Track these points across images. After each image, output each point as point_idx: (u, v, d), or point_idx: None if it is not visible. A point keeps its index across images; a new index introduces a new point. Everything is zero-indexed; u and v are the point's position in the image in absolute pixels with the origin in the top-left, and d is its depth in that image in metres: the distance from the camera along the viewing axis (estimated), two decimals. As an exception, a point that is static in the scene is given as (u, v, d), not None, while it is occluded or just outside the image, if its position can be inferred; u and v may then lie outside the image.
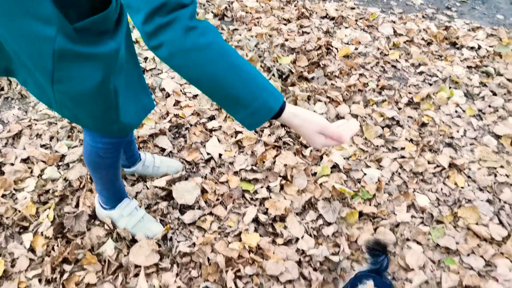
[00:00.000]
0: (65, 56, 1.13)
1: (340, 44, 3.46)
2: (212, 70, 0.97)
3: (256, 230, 2.02)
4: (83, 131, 1.58)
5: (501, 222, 2.15)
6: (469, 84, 3.07)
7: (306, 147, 2.45)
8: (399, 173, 2.38)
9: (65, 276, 1.77)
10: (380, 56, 3.37)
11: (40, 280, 1.77)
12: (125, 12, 1.28)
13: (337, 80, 3.01)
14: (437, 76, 3.16)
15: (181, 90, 2.81)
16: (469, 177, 2.38)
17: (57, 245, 1.87)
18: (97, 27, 1.15)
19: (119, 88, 1.31)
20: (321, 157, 2.39)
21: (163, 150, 2.37)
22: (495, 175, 2.39)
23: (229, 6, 3.83)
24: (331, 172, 2.33)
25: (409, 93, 2.97)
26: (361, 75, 3.12)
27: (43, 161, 2.23)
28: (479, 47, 3.53)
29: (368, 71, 3.17)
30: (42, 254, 1.84)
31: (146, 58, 3.09)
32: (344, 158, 2.41)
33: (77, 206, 2.03)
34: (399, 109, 2.83)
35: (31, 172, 2.18)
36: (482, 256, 2.00)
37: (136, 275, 1.81)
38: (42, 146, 2.33)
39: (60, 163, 2.25)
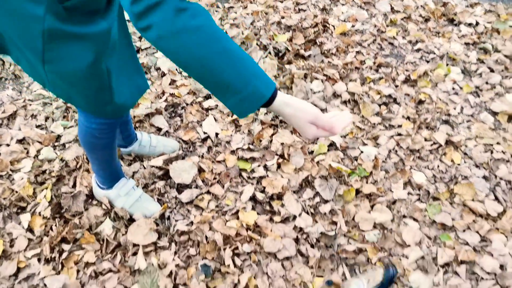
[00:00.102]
0: (55, 36, 1.11)
1: (337, 22, 3.43)
2: (202, 54, 0.94)
3: (253, 208, 2.03)
4: (78, 111, 1.57)
5: (496, 198, 2.16)
6: (466, 61, 3.05)
7: (303, 125, 2.44)
8: (396, 151, 2.38)
9: (64, 255, 1.78)
10: (377, 33, 3.34)
11: (39, 260, 1.79)
12: None
13: (334, 58, 2.99)
14: (435, 53, 3.14)
15: (176, 69, 2.79)
16: (465, 154, 2.39)
17: (55, 225, 1.87)
18: (87, 6, 1.12)
19: (112, 69, 1.29)
20: (318, 135, 2.39)
21: (159, 129, 2.36)
22: (492, 152, 2.40)
23: (224, -17, 3.77)
24: (328, 150, 2.33)
25: (406, 70, 2.95)
26: (358, 52, 3.09)
27: (39, 142, 2.22)
28: (477, 24, 3.50)
29: (365, 49, 3.15)
30: (40, 234, 1.85)
31: (141, 37, 3.05)
32: (341, 136, 2.40)
33: (74, 186, 2.03)
34: (396, 86, 2.82)
35: (27, 152, 2.18)
36: (477, 232, 2.02)
37: (135, 253, 1.82)
38: (37, 126, 2.32)
39: (56, 144, 2.24)
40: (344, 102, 2.65)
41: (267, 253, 1.86)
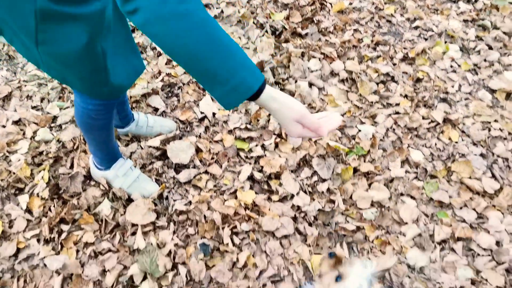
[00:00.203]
0: (47, 16, 1.08)
1: (334, -1, 3.39)
2: (189, 41, 0.90)
3: (251, 188, 2.04)
4: (74, 92, 1.55)
5: (493, 176, 2.17)
6: (465, 38, 3.03)
7: (300, 104, 2.43)
8: (394, 129, 2.38)
9: (63, 235, 1.79)
10: (375, 11, 3.30)
11: (38, 240, 1.79)
12: None
13: (331, 36, 2.96)
14: (433, 31, 3.11)
15: (172, 49, 2.75)
16: (463, 131, 2.39)
17: (54, 206, 1.88)
18: None
19: (107, 50, 1.27)
20: (316, 114, 2.38)
21: (156, 109, 2.35)
22: (489, 130, 2.40)
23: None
24: (326, 129, 2.32)
25: (404, 48, 2.93)
26: (355, 30, 3.06)
27: (35, 123, 2.21)
28: (476, 0, 3.46)
29: (363, 27, 3.12)
30: (39, 215, 1.86)
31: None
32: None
33: (71, 167, 2.03)
34: (394, 64, 2.80)
35: (24, 134, 2.16)
36: (474, 209, 2.03)
37: (134, 233, 1.83)
38: (33, 107, 2.30)
39: (52, 125, 2.22)
40: (342, 81, 2.63)
41: (265, 231, 1.87)
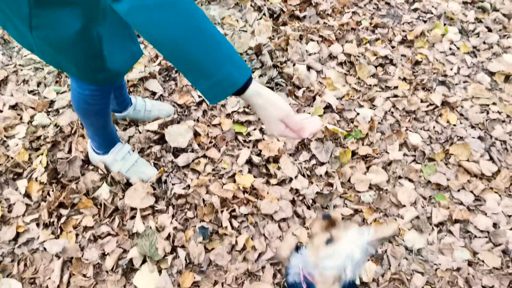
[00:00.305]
0: (41, 1, 1.07)
1: (333, -19, 3.35)
2: (174, 33, 0.88)
3: (250, 172, 2.04)
4: (70, 77, 1.54)
5: (491, 158, 2.18)
6: (464, 21, 3.01)
7: (298, 88, 2.43)
8: (392, 112, 2.37)
9: (62, 220, 1.80)
10: (374, -8, 3.27)
11: (38, 224, 1.80)
12: None
13: (329, 19, 2.93)
14: (432, 13, 3.09)
15: (169, 32, 2.73)
16: (461, 114, 2.39)
17: (52, 190, 1.88)
18: None
19: (103, 37, 1.25)
20: (314, 98, 2.38)
21: (153, 93, 2.33)
22: (488, 112, 2.40)
23: None
24: (324, 112, 2.32)
25: (403, 31, 2.91)
26: (354, 13, 3.03)
27: (32, 108, 2.20)
28: (476, -18, 3.43)
29: (361, 9, 3.09)
30: (38, 199, 1.86)
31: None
32: (337, 98, 2.39)
33: (69, 151, 2.02)
34: (393, 47, 2.79)
35: (21, 118, 2.15)
36: (472, 192, 2.05)
37: (133, 217, 1.83)
38: (30, 92, 2.29)
39: (49, 109, 2.21)
40: (340, 64, 2.62)
41: (264, 214, 1.88)
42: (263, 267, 1.75)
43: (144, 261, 1.72)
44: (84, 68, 1.34)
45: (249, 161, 2.07)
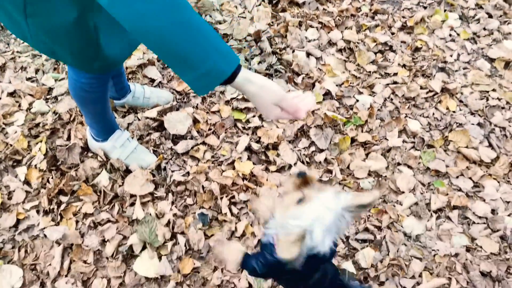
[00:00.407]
0: None
1: (333, -33, 3.31)
2: (157, 24, 0.86)
3: (249, 158, 2.04)
4: (67, 65, 1.53)
5: (490, 145, 2.18)
6: (464, 6, 2.98)
7: (298, 74, 2.42)
8: (391, 99, 2.37)
9: (62, 207, 1.80)
10: (374, -22, 3.24)
11: (38, 211, 1.81)
12: None
13: (329, 5, 2.91)
14: (432, -1, 3.07)
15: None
16: (461, 101, 2.38)
17: (52, 177, 1.88)
18: None
19: (100, 26, 1.23)
20: (313, 85, 2.37)
21: (152, 80, 2.32)
22: (487, 99, 2.39)
23: None
24: (324, 99, 2.31)
25: (403, 17, 2.89)
26: (354, -1, 3.01)
27: (31, 95, 2.19)
28: (476, -33, 3.40)
29: (361, -5, 3.06)
30: (37, 186, 1.86)
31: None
32: (337, 85, 2.38)
33: (68, 139, 2.02)
34: (392, 34, 2.77)
35: (19, 106, 2.15)
36: (470, 178, 2.05)
37: (132, 204, 1.84)
38: (28, 79, 2.28)
39: (48, 96, 2.21)
40: (340, 50, 2.61)
41: (263, 201, 1.88)
42: (262, 253, 1.76)
43: (144, 248, 1.73)
44: (80, 56, 1.33)
45: (248, 148, 2.07)
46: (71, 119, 2.09)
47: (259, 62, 2.44)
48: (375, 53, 2.62)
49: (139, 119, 2.12)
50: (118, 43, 1.36)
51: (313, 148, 2.10)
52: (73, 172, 1.89)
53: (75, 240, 1.73)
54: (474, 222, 1.91)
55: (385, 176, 2.03)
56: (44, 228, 1.75)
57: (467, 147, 2.14)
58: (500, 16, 2.92)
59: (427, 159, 2.10)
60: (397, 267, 1.76)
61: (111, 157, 1.93)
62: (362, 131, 2.19)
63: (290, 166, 2.01)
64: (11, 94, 2.19)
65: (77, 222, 1.79)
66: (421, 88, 2.42)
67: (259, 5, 2.79)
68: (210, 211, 1.84)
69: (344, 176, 2.01)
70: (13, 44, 2.47)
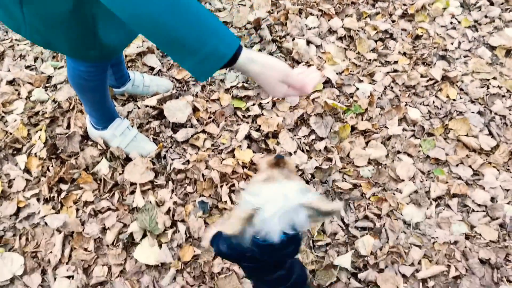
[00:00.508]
0: None
1: (333, -47, 3.28)
2: (151, 10, 0.83)
3: (249, 147, 2.04)
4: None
5: (490, 133, 2.18)
6: (466, -6, 2.96)
7: (298, 62, 2.41)
8: (392, 87, 2.36)
9: (63, 195, 1.81)
10: (375, -35, 3.21)
11: (38, 199, 1.81)
12: None
13: (329, -8, 2.89)
14: (433, -14, 3.04)
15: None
16: (461, 89, 2.37)
17: (52, 166, 1.88)
18: None
19: (98, 15, 1.21)
20: (313, 73, 2.36)
21: (152, 69, 2.32)
22: (488, 87, 2.38)
23: None
24: (324, 87, 2.31)
25: (404, 4, 2.87)
26: (354, -14, 2.99)
27: (30, 83, 2.18)
28: (478, -46, 3.37)
29: (362, -18, 3.04)
30: (37, 174, 1.86)
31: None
32: (337, 73, 2.37)
33: (68, 127, 2.02)
34: (393, 21, 2.75)
35: (19, 94, 2.14)
36: (470, 166, 2.05)
37: (132, 192, 1.84)
38: (27, 67, 2.27)
39: (47, 85, 2.20)
40: (340, 38, 2.59)
41: (263, 189, 1.88)
42: (262, 241, 1.76)
43: (144, 236, 1.74)
44: (76, 45, 1.31)
45: (248, 136, 2.06)
46: (71, 107, 2.09)
47: (259, 50, 2.43)
48: (376, 41, 2.60)
49: (138, 108, 2.12)
50: (116, 32, 1.34)
51: (313, 137, 2.10)
52: (73, 160, 1.89)
53: (75, 228, 1.74)
54: (473, 210, 1.91)
55: (385, 164, 2.03)
56: (44, 216, 1.76)
57: (467, 135, 2.14)
58: (502, 3, 2.90)
59: (427, 147, 2.10)
60: (397, 255, 1.76)
61: (111, 146, 1.93)
62: (362, 119, 2.19)
63: (290, 154, 2.01)
64: (10, 83, 2.18)
65: (77, 210, 1.80)
66: (422, 76, 2.42)
67: (259, -8, 2.76)
68: (210, 199, 1.84)
69: (344, 164, 2.01)
70: (12, 32, 2.45)
